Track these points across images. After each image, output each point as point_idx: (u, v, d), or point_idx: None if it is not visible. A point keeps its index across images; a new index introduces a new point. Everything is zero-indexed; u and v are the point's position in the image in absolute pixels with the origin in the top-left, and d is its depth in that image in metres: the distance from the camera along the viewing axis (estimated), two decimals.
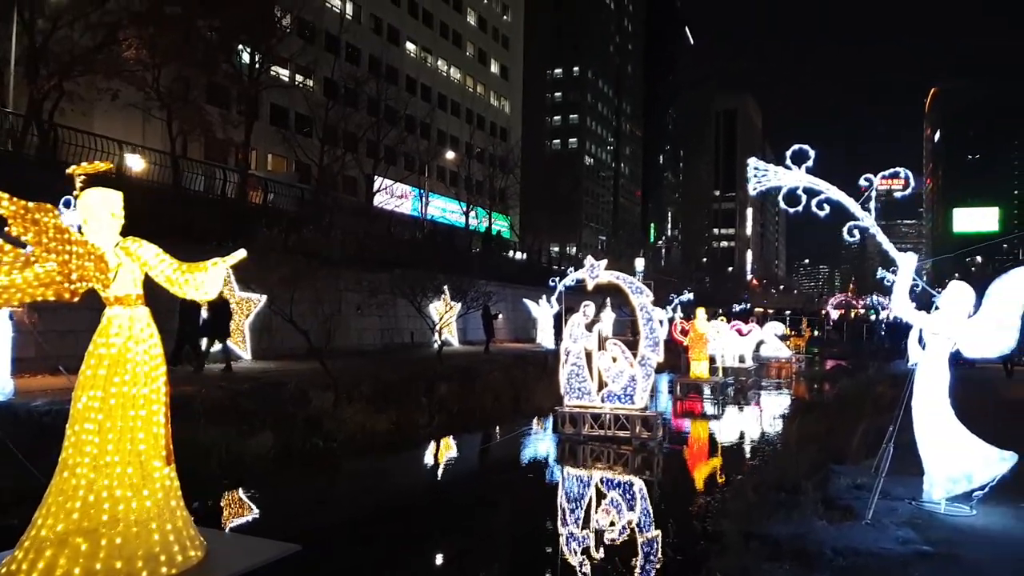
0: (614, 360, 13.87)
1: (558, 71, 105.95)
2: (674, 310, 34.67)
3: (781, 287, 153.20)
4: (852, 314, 71.01)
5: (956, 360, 6.75)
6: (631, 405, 13.60)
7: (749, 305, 48.50)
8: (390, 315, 22.37)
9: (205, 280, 5.27)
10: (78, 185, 5.11)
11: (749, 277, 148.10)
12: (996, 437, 6.73)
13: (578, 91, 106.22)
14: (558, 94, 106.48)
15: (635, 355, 13.70)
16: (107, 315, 5.16)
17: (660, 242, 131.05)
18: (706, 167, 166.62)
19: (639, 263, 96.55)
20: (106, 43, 22.04)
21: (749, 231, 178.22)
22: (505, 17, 77.06)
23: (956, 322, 6.28)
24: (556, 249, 77.22)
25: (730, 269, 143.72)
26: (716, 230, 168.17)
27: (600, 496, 10.60)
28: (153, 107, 24.38)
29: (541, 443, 14.73)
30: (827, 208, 6.23)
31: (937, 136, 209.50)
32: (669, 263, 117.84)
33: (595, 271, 14.02)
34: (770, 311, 63.00)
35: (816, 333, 58.53)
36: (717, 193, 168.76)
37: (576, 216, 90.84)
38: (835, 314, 64.28)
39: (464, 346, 26.06)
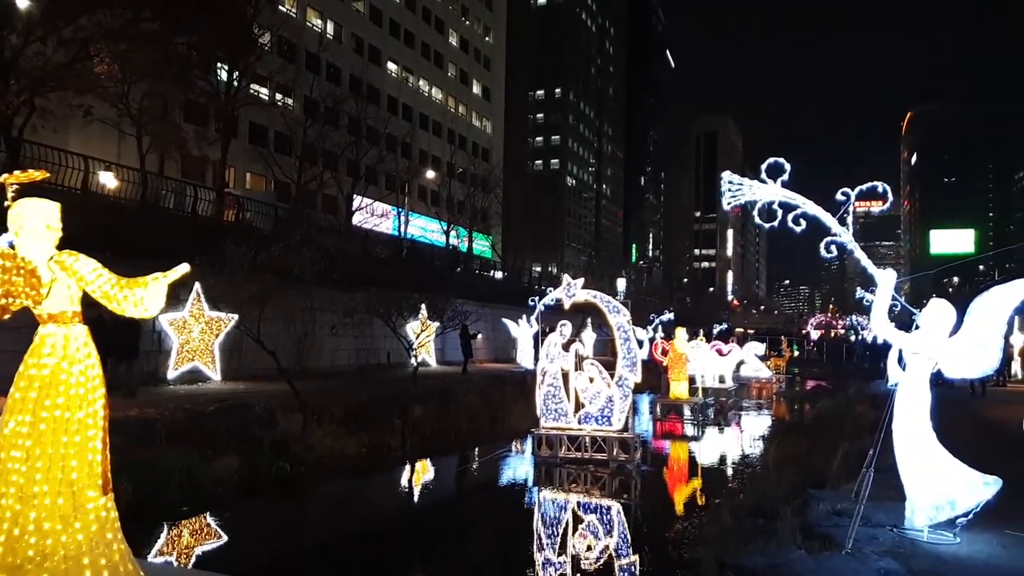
0: (591, 380, 13.60)
1: (540, 93, 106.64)
2: (655, 330, 34.61)
3: (762, 307, 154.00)
4: (832, 334, 71.26)
5: (936, 380, 6.52)
6: (608, 427, 13.32)
7: (729, 325, 48.43)
8: (366, 335, 22.00)
9: (145, 296, 4.92)
10: (10, 195, 4.79)
11: (730, 298, 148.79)
12: (977, 459, 6.52)
13: (560, 113, 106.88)
14: (540, 115, 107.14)
15: (612, 375, 13.44)
16: (40, 333, 4.81)
17: (642, 262, 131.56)
18: (687, 188, 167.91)
19: (621, 283, 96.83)
20: (78, 59, 21.66)
21: (730, 252, 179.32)
22: (487, 39, 77.38)
23: (937, 341, 6.05)
24: (538, 269, 77.19)
25: (711, 289, 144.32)
26: (697, 251, 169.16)
27: (576, 521, 10.29)
28: (125, 123, 23.97)
29: (517, 466, 14.38)
30: (803, 223, 6.03)
31: (914, 159, 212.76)
32: (651, 283, 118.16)
33: (571, 290, 13.78)
34: (750, 331, 63.07)
35: (797, 353, 58.67)
36: (698, 214, 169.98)
37: (558, 236, 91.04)
38: (815, 334, 64.53)
39: (442, 366, 25.69)
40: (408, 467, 13.88)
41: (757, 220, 6.27)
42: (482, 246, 56.92)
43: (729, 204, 6.18)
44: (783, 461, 12.27)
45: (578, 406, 13.66)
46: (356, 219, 42.83)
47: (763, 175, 6.00)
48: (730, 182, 6.11)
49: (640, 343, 38.55)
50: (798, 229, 6.10)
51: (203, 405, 13.29)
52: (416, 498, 12.46)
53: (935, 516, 6.01)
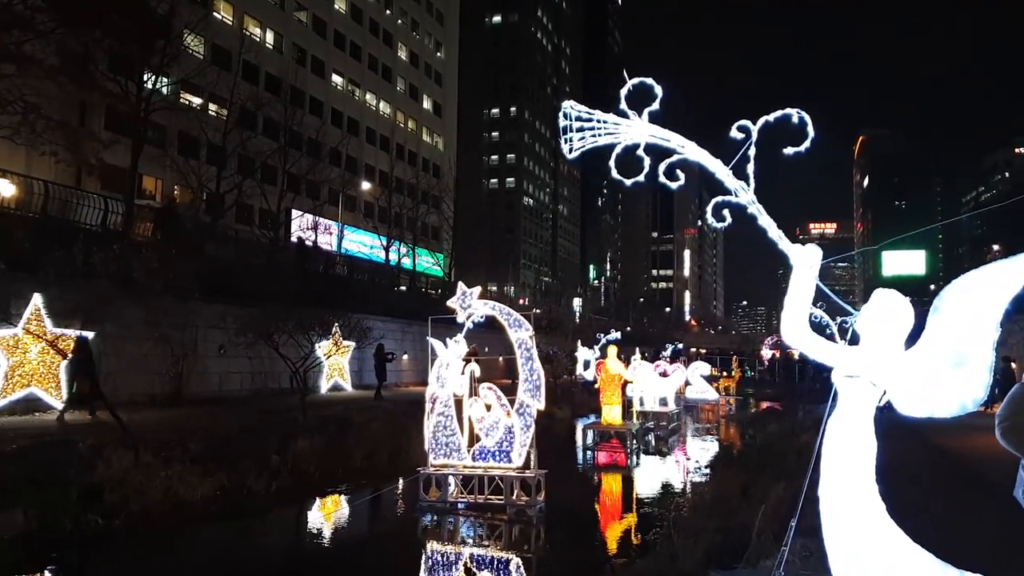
0: (488, 408, 11.45)
1: (495, 111, 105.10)
2: (601, 350, 32.62)
3: (719, 328, 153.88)
4: (786, 354, 70.01)
5: (883, 411, 4.30)
6: (507, 463, 11.16)
7: (681, 345, 46.65)
8: (263, 356, 19.52)
9: None
10: None
11: (687, 318, 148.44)
12: (939, 526, 4.49)
13: (515, 131, 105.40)
14: (495, 134, 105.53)
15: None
16: None
17: (599, 282, 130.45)
18: (644, 209, 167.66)
19: (576, 302, 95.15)
20: None
21: (687, 272, 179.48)
22: (439, 54, 75.67)
23: (884, 357, 3.66)
24: (494, 288, 75.03)
25: (668, 310, 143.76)
26: (655, 271, 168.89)
27: None
28: None
29: (397, 513, 12.11)
30: (682, 177, 3.98)
31: (866, 182, 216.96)
32: (608, 303, 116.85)
33: (466, 300, 11.65)
34: (702, 351, 61.47)
35: (751, 374, 57.37)
36: (655, 235, 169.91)
37: (513, 255, 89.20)
38: (768, 354, 63.28)
39: (359, 391, 23.32)
40: (265, 516, 11.43)
41: (614, 173, 4.20)
42: (428, 263, 54.57)
43: (575, 151, 4.09)
44: (713, 505, 10.25)
45: (473, 439, 11.49)
46: (295, 232, 40.38)
47: (623, 104, 3.94)
48: (578, 117, 4.02)
49: (587, 363, 36.71)
50: (674, 185, 4.05)
51: (7, 443, 10.78)
52: (256, 559, 10.01)
53: None
